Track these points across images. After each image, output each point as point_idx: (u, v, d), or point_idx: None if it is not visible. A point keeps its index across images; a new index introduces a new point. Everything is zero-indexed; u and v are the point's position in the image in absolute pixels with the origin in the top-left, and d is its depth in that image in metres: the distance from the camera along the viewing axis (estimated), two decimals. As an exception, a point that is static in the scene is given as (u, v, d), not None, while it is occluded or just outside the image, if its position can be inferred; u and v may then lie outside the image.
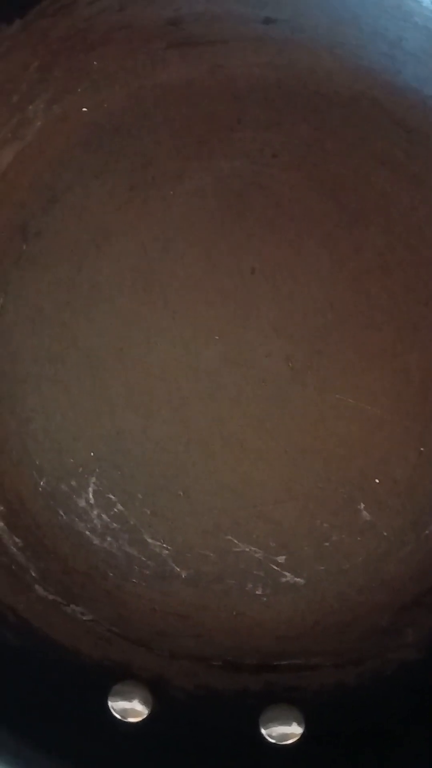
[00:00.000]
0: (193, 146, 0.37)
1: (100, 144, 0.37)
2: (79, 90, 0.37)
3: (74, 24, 0.36)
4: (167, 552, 0.36)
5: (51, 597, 0.35)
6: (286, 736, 0.32)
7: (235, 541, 0.36)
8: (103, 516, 0.36)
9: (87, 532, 0.36)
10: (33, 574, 0.35)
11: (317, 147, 0.38)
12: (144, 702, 0.33)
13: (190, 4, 0.37)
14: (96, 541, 0.36)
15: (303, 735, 0.32)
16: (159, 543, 0.36)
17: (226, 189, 0.37)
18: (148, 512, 0.36)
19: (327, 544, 0.36)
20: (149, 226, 0.37)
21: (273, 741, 0.32)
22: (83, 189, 0.37)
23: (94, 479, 0.36)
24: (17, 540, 0.36)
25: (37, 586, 0.35)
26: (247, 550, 0.36)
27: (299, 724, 0.33)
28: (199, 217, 0.37)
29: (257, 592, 0.36)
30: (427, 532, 0.36)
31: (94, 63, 0.37)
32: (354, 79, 0.38)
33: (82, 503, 0.36)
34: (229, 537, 0.36)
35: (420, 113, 0.38)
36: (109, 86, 0.37)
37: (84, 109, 0.37)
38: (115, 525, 0.36)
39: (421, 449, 0.36)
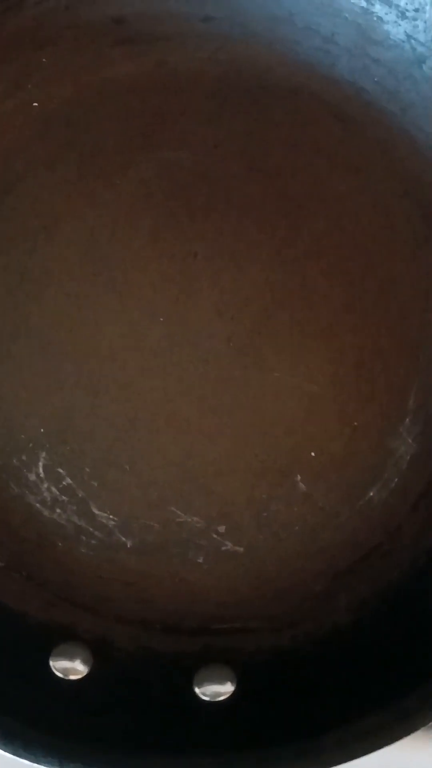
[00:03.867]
0: (139, 138, 0.39)
1: (50, 136, 0.39)
2: (29, 86, 0.39)
3: (22, 23, 0.38)
4: (113, 523, 0.38)
5: (1, 564, 0.37)
6: (219, 694, 0.34)
7: (178, 512, 0.38)
8: (53, 489, 0.38)
9: (37, 504, 0.38)
10: (-16, 543, 0.37)
11: (257, 138, 0.39)
12: (84, 661, 0.35)
13: (132, 3, 0.39)
14: (46, 512, 0.38)
15: (234, 692, 0.34)
16: (106, 514, 0.38)
17: (170, 178, 0.39)
18: (96, 485, 0.38)
19: (265, 514, 0.38)
20: (97, 214, 0.39)
21: (206, 699, 0.34)
22: (35, 179, 0.39)
23: (44, 454, 0.38)
24: (-30, 511, 0.38)
25: (-12, 554, 0.37)
26: (190, 520, 0.38)
27: (232, 683, 0.34)
28: (144, 205, 0.39)
29: (199, 560, 0.38)
30: (360, 502, 0.38)
31: (43, 60, 0.39)
32: (291, 73, 0.39)
33: (32, 477, 0.38)
34: (173, 508, 0.38)
35: (354, 104, 0.39)
36: (58, 82, 0.39)
37: (35, 104, 0.40)
38: (63, 497, 0.38)
39: (355, 424, 0.38)
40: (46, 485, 0.38)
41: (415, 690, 0.31)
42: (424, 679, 0.32)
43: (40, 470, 0.38)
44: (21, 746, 0.31)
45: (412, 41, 0.37)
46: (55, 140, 0.40)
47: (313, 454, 0.38)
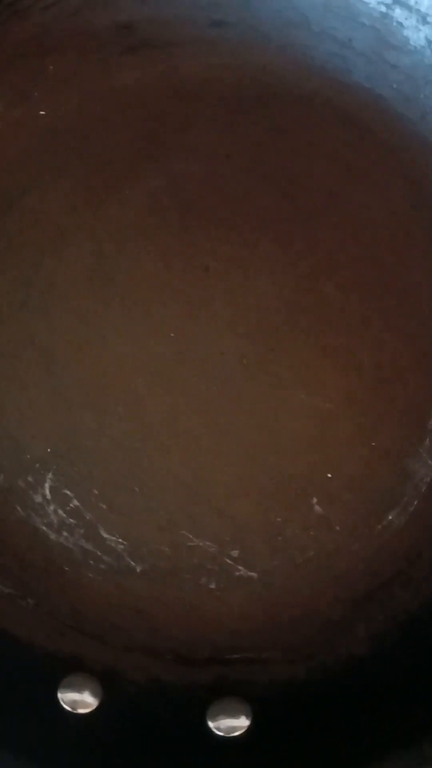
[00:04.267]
0: (148, 148, 0.38)
1: (56, 147, 0.38)
2: (36, 94, 0.38)
3: (28, 30, 0.37)
4: (123, 547, 0.37)
5: (7, 590, 0.36)
6: (234, 729, 0.33)
7: (190, 536, 0.37)
8: (60, 511, 0.37)
9: (44, 527, 0.37)
10: (-11, 569, 0.36)
11: (270, 147, 0.38)
12: (94, 694, 0.33)
13: (141, 8, 0.37)
14: (52, 536, 0.37)
15: (250, 728, 0.33)
16: (114, 538, 0.37)
17: (180, 189, 0.38)
18: (104, 507, 0.37)
19: (280, 538, 0.36)
20: (105, 227, 0.38)
21: (220, 733, 0.33)
22: (40, 191, 0.38)
23: (50, 475, 0.37)
24: (-26, 536, 0.37)
25: (-8, 580, 0.36)
26: (201, 544, 0.36)
27: (247, 717, 0.33)
28: (153, 217, 0.38)
29: (211, 587, 0.36)
30: (379, 526, 0.37)
31: (51, 68, 0.38)
32: (306, 80, 0.38)
33: (38, 499, 0.37)
34: (184, 532, 0.37)
35: (371, 112, 0.38)
36: (65, 90, 0.38)
37: (42, 113, 0.38)
38: (71, 520, 0.37)
39: (373, 444, 0.37)
40: (52, 507, 0.37)
41: (439, 728, 0.30)
42: (448, 715, 0.31)
43: (47, 492, 0.37)
44: (27, 786, 0.30)
45: (433, 46, 0.36)
46: (61, 151, 0.38)
47: (329, 475, 0.37)
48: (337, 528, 0.36)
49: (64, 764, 0.31)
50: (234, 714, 0.33)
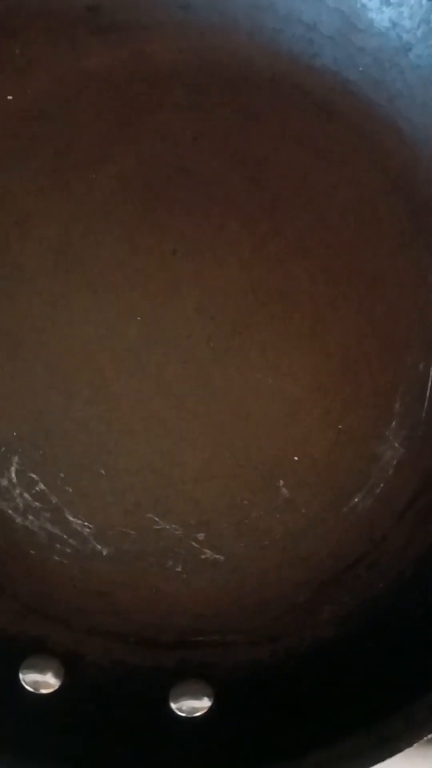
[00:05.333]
0: (115, 130, 0.38)
1: (23, 129, 0.38)
2: (2, 77, 0.38)
3: (-7, 11, 0.37)
4: (88, 530, 0.36)
5: (-30, 574, 0.36)
6: (196, 710, 0.33)
7: (156, 519, 0.36)
8: (25, 495, 0.37)
9: (9, 511, 0.36)
10: None
11: (238, 130, 0.38)
12: (56, 674, 0.33)
13: (108, -10, 0.37)
14: (18, 519, 0.36)
15: (212, 708, 0.33)
16: (80, 521, 0.36)
17: (148, 172, 0.38)
18: (70, 491, 0.37)
19: (246, 521, 0.36)
20: (72, 209, 0.38)
21: (182, 714, 0.33)
22: (6, 173, 0.38)
23: (16, 459, 0.37)
24: None
25: None
26: (168, 527, 0.36)
27: (209, 698, 0.33)
28: (120, 199, 0.38)
29: (177, 570, 0.36)
30: (345, 509, 0.36)
31: (17, 51, 0.38)
32: (273, 63, 0.38)
33: (4, 482, 0.37)
34: (150, 515, 0.37)
35: (339, 95, 0.38)
36: (33, 73, 0.38)
37: (9, 98, 0.38)
38: (36, 504, 0.36)
39: (340, 427, 0.37)
40: (18, 491, 0.37)
41: (400, 710, 0.30)
42: (409, 698, 0.30)
43: (13, 475, 0.37)
44: (-14, 766, 0.30)
45: (398, 28, 0.36)
46: (28, 133, 0.38)
47: (296, 458, 0.37)
48: (303, 511, 0.36)
49: (25, 745, 0.31)
50: (196, 695, 0.33)
